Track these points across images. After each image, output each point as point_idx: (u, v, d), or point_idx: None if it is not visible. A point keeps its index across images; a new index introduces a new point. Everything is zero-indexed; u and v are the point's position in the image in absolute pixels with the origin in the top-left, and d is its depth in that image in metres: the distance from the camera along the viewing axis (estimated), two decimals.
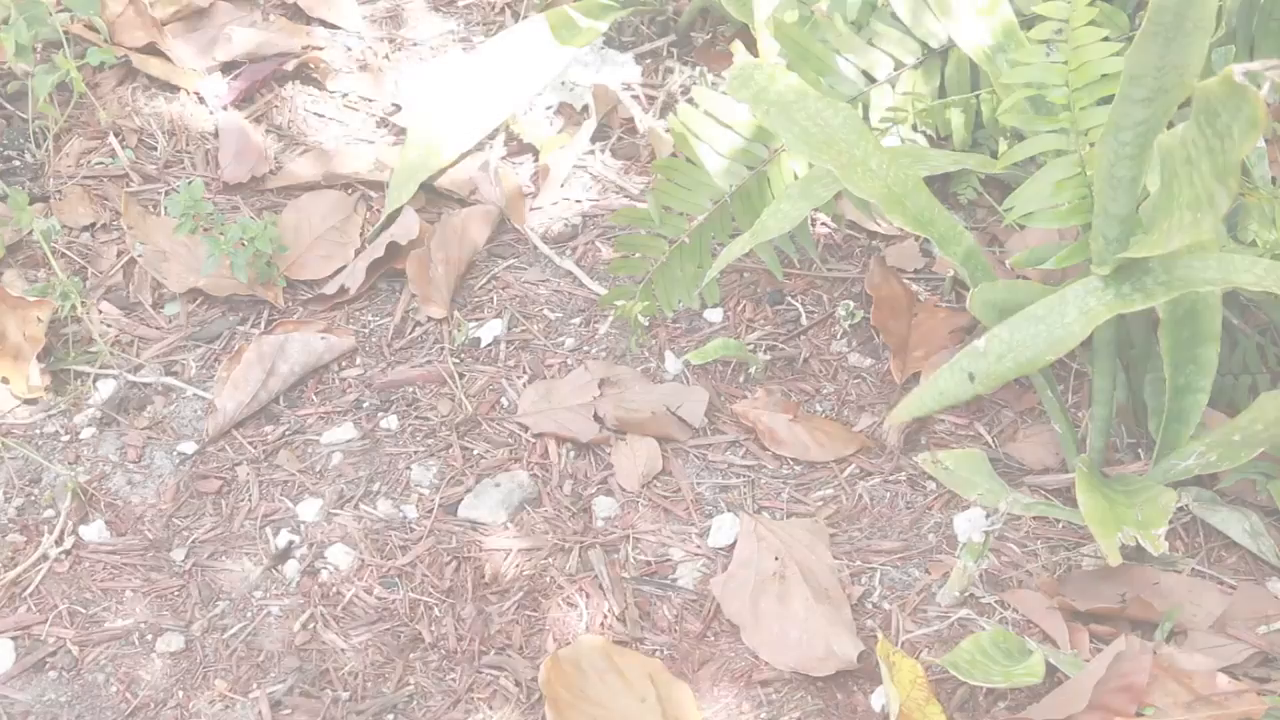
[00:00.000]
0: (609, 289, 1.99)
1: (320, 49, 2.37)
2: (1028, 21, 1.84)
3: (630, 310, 1.89)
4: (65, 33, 2.22)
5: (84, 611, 1.68)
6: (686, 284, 1.91)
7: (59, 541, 1.73)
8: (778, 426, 1.82)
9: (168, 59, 2.33)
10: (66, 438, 1.86)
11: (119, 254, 2.07)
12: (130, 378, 1.91)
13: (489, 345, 1.96)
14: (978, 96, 1.97)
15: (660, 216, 1.91)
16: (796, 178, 1.90)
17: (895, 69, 1.97)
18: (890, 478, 1.78)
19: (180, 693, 1.60)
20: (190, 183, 1.97)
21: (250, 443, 1.84)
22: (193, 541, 1.74)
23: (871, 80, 1.96)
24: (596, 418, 1.82)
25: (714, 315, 1.98)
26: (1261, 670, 1.55)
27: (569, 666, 1.56)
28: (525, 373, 1.92)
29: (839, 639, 1.57)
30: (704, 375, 1.90)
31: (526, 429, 1.84)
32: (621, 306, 1.90)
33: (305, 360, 1.91)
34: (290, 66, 2.33)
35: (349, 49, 2.41)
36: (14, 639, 1.65)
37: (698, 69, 2.33)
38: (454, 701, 1.58)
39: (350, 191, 2.16)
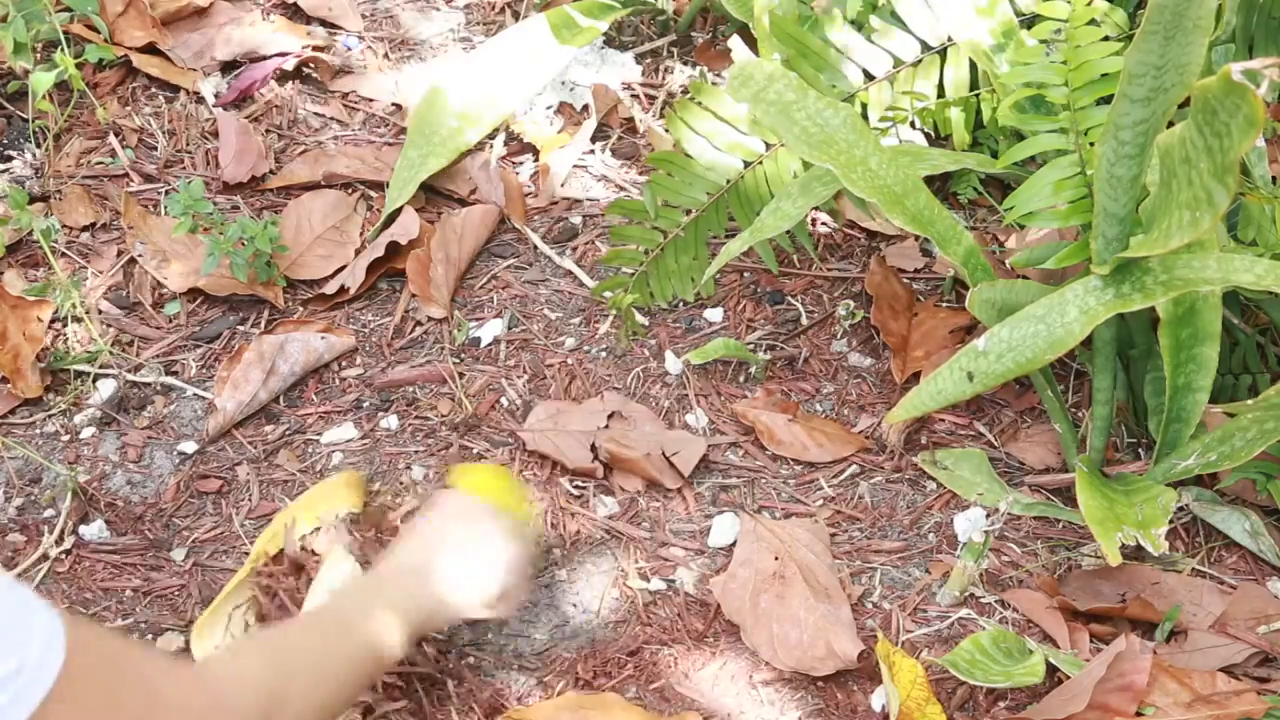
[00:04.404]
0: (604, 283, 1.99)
1: (320, 49, 2.37)
2: (1028, 21, 1.84)
3: (621, 301, 1.88)
4: (65, 31, 2.22)
5: (84, 611, 1.67)
6: (681, 277, 1.90)
7: (59, 541, 1.73)
8: (777, 426, 1.81)
9: (168, 59, 2.34)
10: (66, 438, 1.86)
11: (119, 254, 2.07)
12: (130, 377, 1.91)
13: (489, 345, 1.96)
14: (978, 96, 1.97)
15: (655, 209, 1.91)
16: (795, 175, 1.90)
17: (894, 67, 1.97)
18: (890, 478, 1.78)
19: None
20: (190, 183, 1.97)
21: (250, 442, 1.84)
22: (193, 541, 1.74)
23: (870, 78, 1.96)
24: (593, 448, 1.78)
25: (714, 315, 1.98)
26: (1261, 670, 1.55)
27: None
28: (525, 372, 1.91)
29: (839, 639, 1.57)
30: (704, 375, 1.90)
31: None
32: (613, 297, 1.89)
33: (305, 360, 1.91)
34: (290, 66, 2.33)
35: (349, 49, 2.41)
36: None
37: (698, 68, 2.33)
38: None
39: (350, 191, 2.16)
